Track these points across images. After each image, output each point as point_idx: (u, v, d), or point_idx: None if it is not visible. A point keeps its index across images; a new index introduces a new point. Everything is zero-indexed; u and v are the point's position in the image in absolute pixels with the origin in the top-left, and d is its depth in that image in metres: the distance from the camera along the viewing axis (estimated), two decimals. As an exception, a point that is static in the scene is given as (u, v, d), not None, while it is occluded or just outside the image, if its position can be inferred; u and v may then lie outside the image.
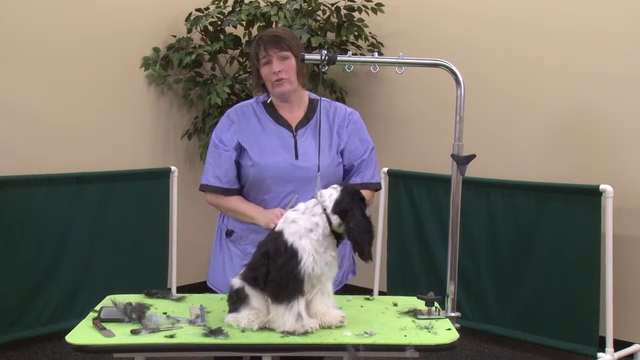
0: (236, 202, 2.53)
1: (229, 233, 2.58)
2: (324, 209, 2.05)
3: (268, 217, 2.40)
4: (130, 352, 1.98)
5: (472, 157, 2.35)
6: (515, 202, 3.98)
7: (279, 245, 2.01)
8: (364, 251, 2.03)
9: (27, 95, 4.17)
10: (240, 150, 2.52)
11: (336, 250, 2.09)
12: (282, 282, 1.97)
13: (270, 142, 2.51)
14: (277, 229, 2.07)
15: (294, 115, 2.56)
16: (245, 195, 2.55)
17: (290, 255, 1.99)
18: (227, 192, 2.53)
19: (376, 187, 2.59)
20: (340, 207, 2.05)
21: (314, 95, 2.62)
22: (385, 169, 4.50)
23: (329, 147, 2.52)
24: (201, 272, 3.21)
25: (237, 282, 2.10)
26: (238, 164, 2.53)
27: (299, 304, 1.99)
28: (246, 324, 2.02)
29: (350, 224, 2.02)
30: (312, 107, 2.58)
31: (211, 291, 2.61)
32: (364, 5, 4.69)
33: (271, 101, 2.57)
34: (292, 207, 2.26)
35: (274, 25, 4.64)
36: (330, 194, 2.08)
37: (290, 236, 2.02)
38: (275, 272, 1.98)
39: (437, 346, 1.98)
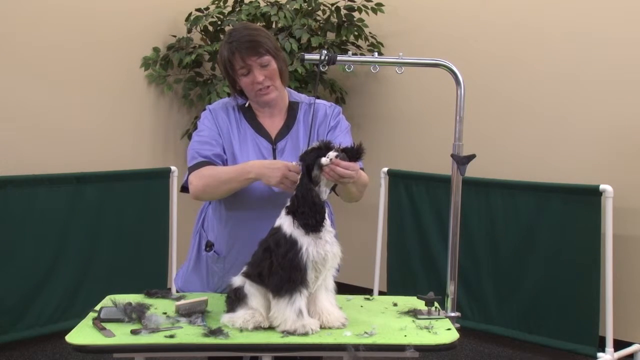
0: (221, 167, 2.25)
1: (209, 245, 2.40)
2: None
3: (275, 173, 2.11)
4: (130, 352, 1.98)
5: (472, 157, 2.35)
6: (515, 202, 3.98)
7: (278, 238, 2.03)
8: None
9: (27, 95, 4.17)
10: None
11: (333, 231, 2.08)
12: (284, 273, 1.97)
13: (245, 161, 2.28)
14: (275, 225, 2.07)
15: (273, 121, 2.38)
16: (231, 204, 2.32)
17: (291, 244, 2.00)
18: (206, 164, 2.26)
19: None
20: (306, 161, 2.03)
21: (295, 95, 2.44)
22: (385, 169, 4.50)
23: None
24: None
25: (237, 280, 2.10)
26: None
27: (301, 299, 1.99)
28: (241, 324, 2.02)
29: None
30: (293, 112, 2.39)
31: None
32: (364, 5, 4.69)
33: (249, 105, 2.39)
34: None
35: (274, 25, 4.65)
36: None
37: (287, 228, 2.03)
38: (277, 263, 1.99)
39: (437, 346, 1.98)
